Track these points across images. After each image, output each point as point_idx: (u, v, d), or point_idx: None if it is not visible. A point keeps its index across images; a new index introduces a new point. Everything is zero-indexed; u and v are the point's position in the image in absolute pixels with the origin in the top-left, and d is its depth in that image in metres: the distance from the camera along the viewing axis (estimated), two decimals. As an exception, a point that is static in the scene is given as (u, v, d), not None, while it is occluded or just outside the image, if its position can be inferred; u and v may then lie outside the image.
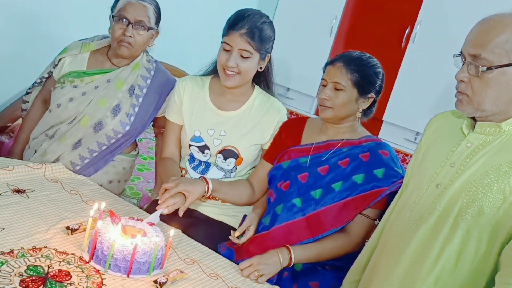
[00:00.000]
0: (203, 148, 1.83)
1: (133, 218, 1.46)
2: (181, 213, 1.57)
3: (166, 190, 1.56)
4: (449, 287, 1.28)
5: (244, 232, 1.70)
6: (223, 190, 1.75)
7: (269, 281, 1.54)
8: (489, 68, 1.21)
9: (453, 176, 1.31)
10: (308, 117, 1.91)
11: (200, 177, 1.72)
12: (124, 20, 1.82)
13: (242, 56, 1.70)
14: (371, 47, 1.93)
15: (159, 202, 1.54)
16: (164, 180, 1.71)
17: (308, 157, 1.73)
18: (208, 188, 1.66)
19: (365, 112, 1.74)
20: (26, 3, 2.38)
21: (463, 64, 1.27)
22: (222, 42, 1.74)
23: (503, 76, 1.21)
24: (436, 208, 1.31)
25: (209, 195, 1.69)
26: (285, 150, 1.78)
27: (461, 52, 1.28)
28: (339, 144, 1.71)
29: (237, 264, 1.55)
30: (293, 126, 1.84)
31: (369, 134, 1.76)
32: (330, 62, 1.70)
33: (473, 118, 1.33)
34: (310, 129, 1.81)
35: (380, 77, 1.70)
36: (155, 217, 1.52)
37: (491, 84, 1.22)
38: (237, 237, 1.69)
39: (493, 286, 1.20)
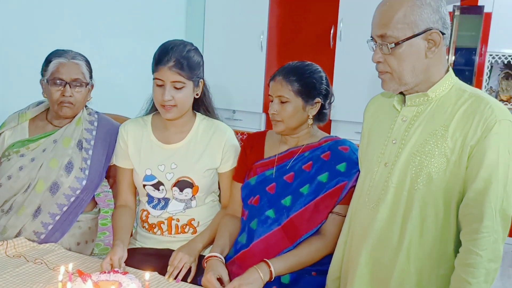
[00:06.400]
0: (157, 185, 1.82)
1: (105, 272, 1.43)
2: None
3: None
4: (420, 256, 1.32)
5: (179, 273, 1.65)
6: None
7: (256, 299, 1.53)
8: (397, 44, 1.30)
9: (397, 151, 1.37)
10: (267, 130, 1.94)
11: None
12: (60, 81, 1.82)
13: (176, 88, 1.72)
14: (302, 54, 2.00)
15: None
16: (116, 233, 1.74)
17: (274, 169, 1.76)
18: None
19: (318, 117, 1.77)
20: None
21: (376, 47, 1.34)
22: (153, 79, 1.75)
23: (411, 47, 1.30)
24: (390, 186, 1.36)
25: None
26: (250, 166, 1.81)
27: (371, 36, 1.36)
28: (300, 150, 1.75)
29: (222, 291, 1.54)
30: (255, 140, 1.87)
31: (328, 135, 1.80)
32: (272, 78, 1.75)
33: (402, 94, 1.40)
34: (271, 142, 1.84)
35: (323, 81, 1.74)
36: None
37: (404, 58, 1.30)
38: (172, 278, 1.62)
39: (461, 246, 1.26)
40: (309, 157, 1.72)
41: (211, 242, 1.81)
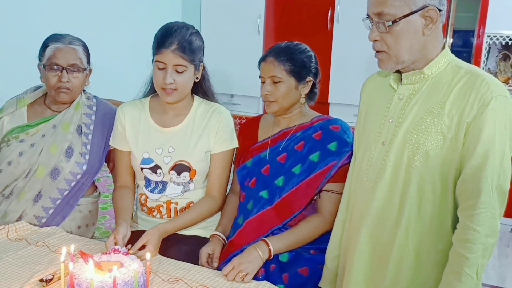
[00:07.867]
0: (155, 169, 1.82)
1: (107, 253, 1.44)
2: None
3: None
4: (419, 233, 1.34)
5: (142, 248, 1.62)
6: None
7: (256, 278, 1.55)
8: (394, 21, 1.29)
9: (394, 130, 1.37)
10: (261, 115, 1.96)
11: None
12: (57, 67, 1.81)
13: (177, 71, 1.70)
14: (299, 37, 2.00)
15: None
16: (118, 213, 1.76)
17: (267, 150, 1.78)
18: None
19: (309, 96, 1.79)
20: None
21: (372, 25, 1.34)
22: (154, 61, 1.73)
23: (409, 25, 1.29)
24: (387, 164, 1.37)
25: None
26: (247, 150, 1.83)
27: (367, 15, 1.35)
28: (293, 131, 1.77)
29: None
30: (249, 126, 1.90)
31: (319, 114, 1.82)
32: (262, 59, 1.76)
33: (399, 72, 1.41)
34: (264, 125, 1.87)
35: (313, 60, 1.76)
36: None
37: (401, 35, 1.30)
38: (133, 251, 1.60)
39: (458, 222, 1.27)
40: (301, 137, 1.74)
41: (182, 227, 1.79)
